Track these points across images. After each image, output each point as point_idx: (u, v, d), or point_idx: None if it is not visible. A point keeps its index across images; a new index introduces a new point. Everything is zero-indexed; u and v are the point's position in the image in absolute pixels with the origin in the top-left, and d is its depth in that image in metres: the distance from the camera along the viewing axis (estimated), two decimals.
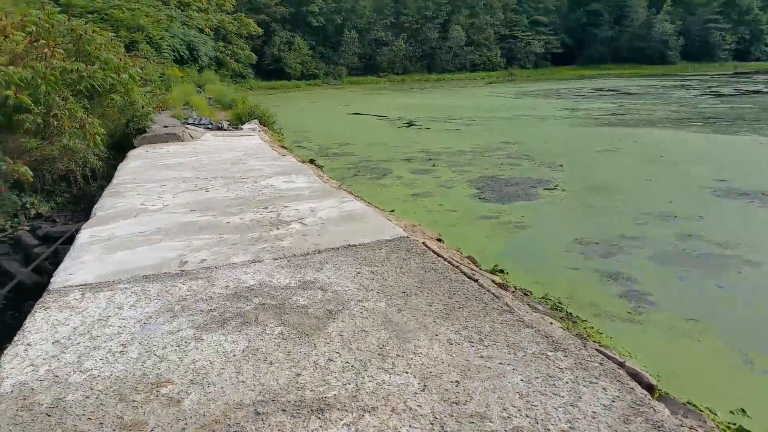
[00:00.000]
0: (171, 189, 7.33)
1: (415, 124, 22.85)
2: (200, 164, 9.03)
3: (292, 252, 4.81)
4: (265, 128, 14.89)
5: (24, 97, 8.30)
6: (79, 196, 9.76)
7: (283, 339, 3.31)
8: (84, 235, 5.44)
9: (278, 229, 5.48)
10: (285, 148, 11.93)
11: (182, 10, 37.34)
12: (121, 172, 8.69)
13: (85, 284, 4.18)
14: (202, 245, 5.05)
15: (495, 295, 3.95)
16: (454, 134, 19.71)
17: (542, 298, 6.07)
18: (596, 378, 2.92)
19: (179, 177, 8.02)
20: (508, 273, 6.65)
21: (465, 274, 4.34)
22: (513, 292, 5.21)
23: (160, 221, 5.82)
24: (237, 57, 45.92)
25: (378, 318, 3.58)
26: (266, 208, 6.29)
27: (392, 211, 7.88)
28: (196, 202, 6.63)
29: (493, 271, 6.34)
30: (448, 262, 4.59)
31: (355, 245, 4.95)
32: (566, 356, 3.18)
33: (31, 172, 8.12)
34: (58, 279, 4.30)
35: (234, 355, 3.13)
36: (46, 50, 9.36)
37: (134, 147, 10.99)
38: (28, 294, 6.27)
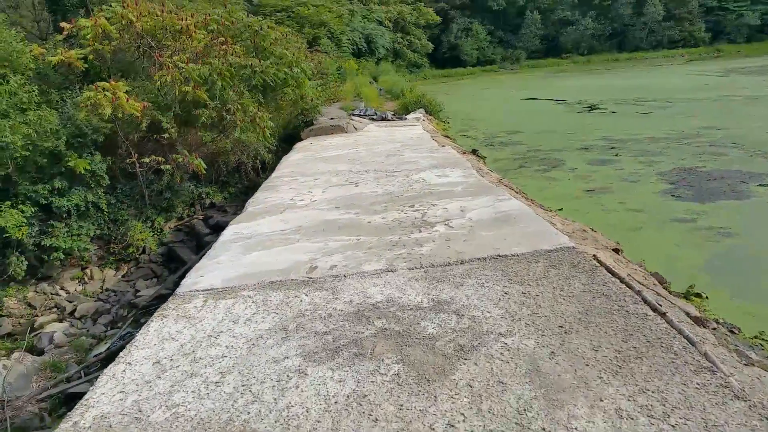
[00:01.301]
0: (322, 183, 7.11)
1: (597, 108, 20.42)
2: (357, 157, 8.77)
3: (430, 261, 4.12)
4: (431, 117, 14.37)
5: (201, 92, 8.79)
6: (249, 187, 10.21)
7: (398, 384, 2.66)
8: (228, 231, 5.37)
9: (420, 231, 4.83)
10: (448, 137, 11.25)
11: (364, 4, 38.66)
12: (282, 165, 8.80)
13: (211, 289, 3.96)
14: (337, 248, 4.60)
15: (689, 341, 2.86)
16: (645, 119, 17.12)
17: (755, 338, 4.56)
18: None
19: (333, 170, 7.81)
20: (707, 297, 5.16)
21: (648, 304, 3.25)
22: (714, 329, 3.90)
23: (303, 219, 5.55)
24: (414, 47, 46.31)
25: (523, 364, 2.75)
26: (412, 206, 5.67)
27: (560, 210, 6.73)
28: (343, 197, 6.28)
29: (686, 296, 4.94)
30: (627, 285, 3.51)
31: (505, 256, 4.09)
32: None
33: (204, 164, 8.58)
34: (188, 281, 4.17)
35: (336, 402, 2.55)
36: (224, 47, 9.87)
37: (302, 139, 11.21)
38: None
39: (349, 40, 30.17)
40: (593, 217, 7.54)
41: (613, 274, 3.67)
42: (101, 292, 7.46)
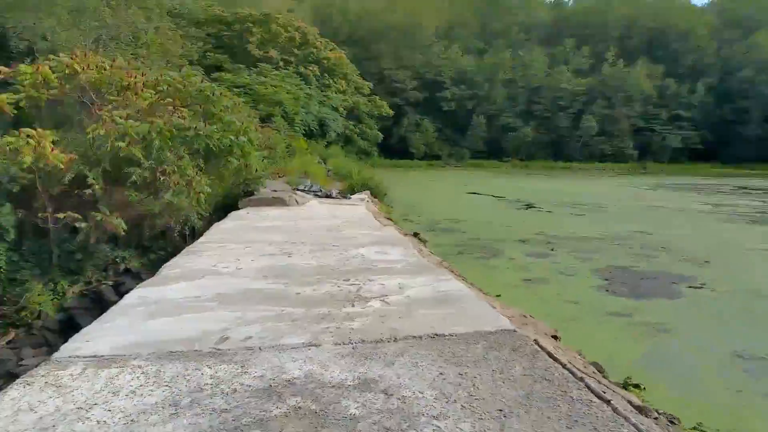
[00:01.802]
0: (253, 252, 6.60)
1: (534, 207, 21.18)
2: (295, 229, 8.35)
3: (361, 337, 3.66)
4: (375, 199, 14.28)
5: (136, 149, 8.29)
6: (174, 254, 9.46)
7: None
8: (132, 295, 4.73)
9: (353, 306, 4.38)
10: (390, 219, 11.05)
11: (322, 91, 39.73)
12: (212, 231, 8.25)
13: (95, 356, 3.32)
14: (256, 318, 4.07)
15: (637, 429, 2.55)
16: (579, 219, 17.82)
17: (694, 428, 4.52)
18: None
19: (267, 240, 7.33)
20: (644, 389, 5.09)
21: (592, 390, 2.94)
22: (656, 419, 3.63)
23: (224, 286, 4.99)
24: (364, 135, 47.44)
25: None
26: (347, 280, 5.24)
27: (498, 296, 6.54)
28: (273, 267, 5.78)
29: (625, 386, 4.83)
30: (569, 371, 3.18)
31: (443, 335, 3.70)
32: None
33: (124, 225, 7.87)
34: (70, 346, 3.51)
35: None
36: (170, 107, 9.53)
37: (239, 209, 10.72)
38: None
39: (302, 120, 30.53)
40: (531, 305, 7.35)
41: (555, 359, 3.34)
42: None
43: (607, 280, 9.57)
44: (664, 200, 25.41)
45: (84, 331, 3.83)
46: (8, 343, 6.64)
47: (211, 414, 2.60)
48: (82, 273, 7.95)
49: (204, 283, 5.09)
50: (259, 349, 3.46)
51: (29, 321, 6.95)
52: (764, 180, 46.06)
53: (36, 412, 2.60)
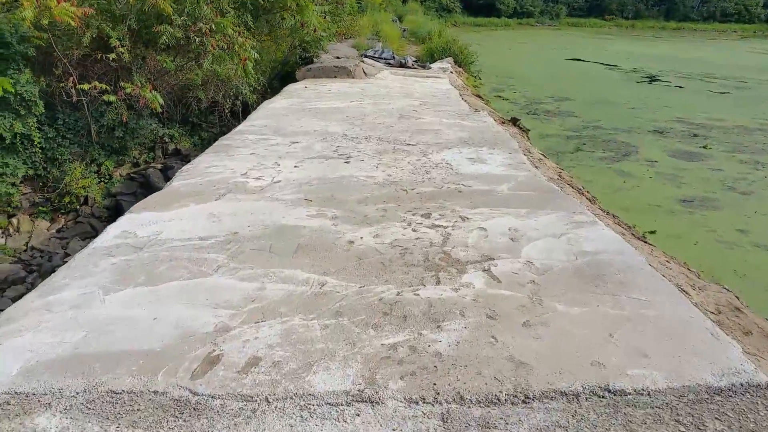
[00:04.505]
0: (300, 151, 4.87)
1: (659, 80, 17.32)
2: (359, 113, 6.47)
3: (454, 383, 1.92)
4: (460, 70, 11.83)
5: (165, 3, 6.56)
6: (223, 133, 8.11)
7: None
8: (113, 230, 3.18)
9: (438, 282, 2.62)
10: (480, 98, 8.82)
11: None
12: (258, 113, 6.55)
13: None
14: (277, 302, 2.43)
15: None
16: (724, 100, 14.16)
17: None
18: None
19: (321, 131, 5.55)
20: None
21: None
22: None
23: (246, 218, 3.35)
24: None
25: None
26: (428, 215, 3.45)
27: (653, 233, 4.42)
28: (322, 181, 4.07)
29: None
30: None
31: (623, 392, 1.88)
32: None
33: (160, 99, 6.45)
34: None
35: None
36: None
37: (296, 80, 8.88)
38: None
39: None
40: (706, 253, 4.95)
41: None
42: (25, 250, 5.63)
43: None
44: None
45: (10, 311, 2.36)
46: (58, 231, 5.83)
47: None
48: (126, 152, 6.97)
49: (220, 210, 3.47)
50: (267, 401, 1.84)
51: (77, 207, 6.12)
52: None
53: None
